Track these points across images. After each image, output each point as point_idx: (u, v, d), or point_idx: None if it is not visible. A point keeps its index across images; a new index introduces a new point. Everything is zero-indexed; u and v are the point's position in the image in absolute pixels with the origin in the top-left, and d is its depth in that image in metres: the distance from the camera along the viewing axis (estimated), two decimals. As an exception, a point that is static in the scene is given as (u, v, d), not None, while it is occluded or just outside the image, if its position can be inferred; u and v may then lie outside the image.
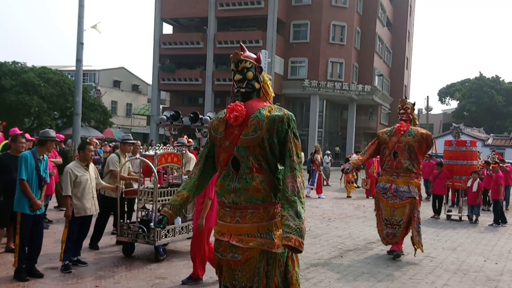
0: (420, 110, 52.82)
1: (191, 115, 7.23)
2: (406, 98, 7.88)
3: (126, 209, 7.69)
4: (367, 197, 15.82)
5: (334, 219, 11.11)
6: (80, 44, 19.78)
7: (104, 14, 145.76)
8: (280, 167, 3.39)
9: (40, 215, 5.54)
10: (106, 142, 17.82)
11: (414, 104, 7.68)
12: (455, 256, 7.65)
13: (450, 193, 13.96)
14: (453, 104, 62.84)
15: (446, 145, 12.50)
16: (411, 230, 7.12)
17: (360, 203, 14.37)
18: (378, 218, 7.37)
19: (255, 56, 3.54)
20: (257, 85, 3.50)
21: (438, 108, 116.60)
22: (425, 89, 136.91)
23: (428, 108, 49.56)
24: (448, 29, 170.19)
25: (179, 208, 3.55)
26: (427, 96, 71.86)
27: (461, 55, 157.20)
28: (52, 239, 7.23)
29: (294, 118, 3.39)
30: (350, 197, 15.80)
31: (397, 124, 7.43)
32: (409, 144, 7.12)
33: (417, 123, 7.70)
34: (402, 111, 7.50)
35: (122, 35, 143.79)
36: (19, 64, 30.12)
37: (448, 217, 11.89)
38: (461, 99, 56.99)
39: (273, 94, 3.66)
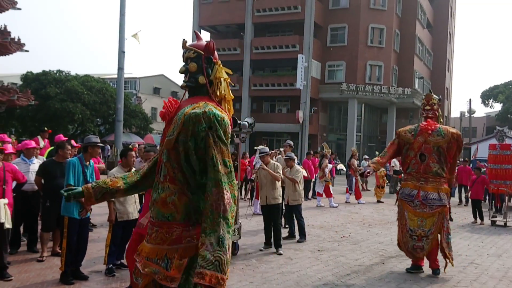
0: (462, 113, 51.21)
1: None
2: (431, 92, 6.98)
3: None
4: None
5: (375, 225, 10.89)
6: (121, 53, 20.31)
7: (145, 23, 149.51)
8: (198, 181, 2.68)
9: (86, 219, 5.71)
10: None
11: (440, 99, 6.89)
12: (501, 263, 7.34)
13: (494, 198, 13.49)
14: (497, 106, 60.57)
15: (490, 149, 12.13)
16: (440, 242, 6.32)
17: (401, 208, 14.02)
18: (401, 228, 6.54)
19: (203, 45, 2.96)
20: (201, 80, 2.88)
21: (481, 111, 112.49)
22: (467, 91, 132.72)
23: (471, 111, 48.00)
24: (491, 29, 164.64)
25: (102, 192, 2.91)
26: (470, 99, 69.30)
27: (505, 56, 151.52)
28: (96, 243, 7.41)
29: (219, 116, 2.64)
30: (382, 202, 15.49)
31: (423, 122, 6.57)
32: (438, 145, 6.30)
33: (442, 121, 6.84)
34: (427, 107, 6.67)
35: (161, 43, 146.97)
36: (63, 73, 31.19)
37: (493, 222, 11.45)
38: (504, 102, 54.84)
39: (227, 94, 2.97)
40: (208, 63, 2.93)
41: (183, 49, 2.99)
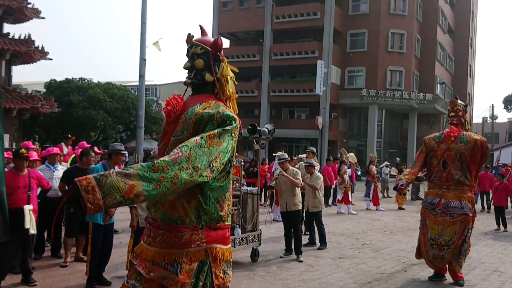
0: (485, 119, 50.35)
1: (250, 127, 7.25)
2: (456, 98, 6.81)
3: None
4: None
5: (396, 232, 10.75)
6: (142, 60, 20.58)
7: (165, 31, 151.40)
8: (209, 183, 2.55)
9: (110, 225, 5.76)
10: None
11: (466, 106, 6.67)
12: (527, 272, 7.15)
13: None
14: (520, 112, 59.32)
15: (514, 155, 11.90)
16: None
17: (423, 216, 13.80)
18: (423, 237, 6.37)
19: (211, 41, 2.84)
20: (208, 77, 2.78)
21: (503, 116, 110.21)
22: (489, 97, 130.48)
23: (493, 117, 47.13)
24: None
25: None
26: (492, 104, 68.06)
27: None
28: (118, 249, 7.48)
29: (232, 118, 2.58)
30: (403, 209, 15.28)
31: (447, 129, 6.45)
32: (460, 152, 6.12)
33: (469, 127, 6.64)
34: (452, 113, 6.47)
35: (181, 50, 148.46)
36: (86, 80, 31.76)
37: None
38: (528, 107, 53.72)
39: (232, 93, 2.87)
40: (216, 60, 2.83)
41: (187, 43, 2.86)
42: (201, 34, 2.91)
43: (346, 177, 14.21)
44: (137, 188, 2.16)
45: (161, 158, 2.33)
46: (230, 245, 2.78)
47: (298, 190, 7.83)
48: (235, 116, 2.63)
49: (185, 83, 2.85)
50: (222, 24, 38.53)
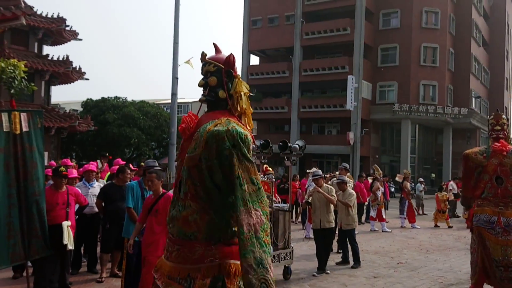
0: (524, 133, 48.63)
1: (280, 143, 7.28)
2: (498, 111, 6.50)
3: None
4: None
5: (433, 251, 10.45)
6: (175, 79, 20.99)
7: (196, 49, 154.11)
8: (221, 199, 2.64)
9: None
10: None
11: (508, 119, 6.38)
12: None
13: None
14: None
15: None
16: None
17: (460, 233, 13.39)
18: (486, 259, 5.86)
19: (223, 58, 2.88)
20: (222, 94, 2.80)
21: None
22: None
23: (534, 131, 45.57)
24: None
25: None
26: (532, 118, 66.03)
27: None
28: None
29: (242, 134, 2.57)
30: (438, 226, 14.84)
31: (496, 143, 6.08)
32: None
33: (510, 141, 6.24)
34: (498, 127, 6.16)
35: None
36: (121, 99, 32.58)
37: None
38: None
39: (246, 108, 2.90)
40: (229, 77, 2.86)
41: (201, 62, 2.90)
42: (215, 52, 2.95)
43: (379, 193, 13.97)
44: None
45: (254, 228, 2.43)
46: None
47: (332, 207, 7.76)
48: (246, 132, 2.64)
49: (200, 100, 2.89)
50: (252, 41, 38.98)
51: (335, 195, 7.83)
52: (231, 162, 2.52)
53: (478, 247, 5.97)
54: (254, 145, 2.74)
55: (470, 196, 6.20)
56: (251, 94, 3.01)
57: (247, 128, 2.76)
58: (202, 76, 2.89)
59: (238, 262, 2.61)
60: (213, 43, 3.03)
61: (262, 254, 2.35)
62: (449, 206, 16.18)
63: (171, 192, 5.16)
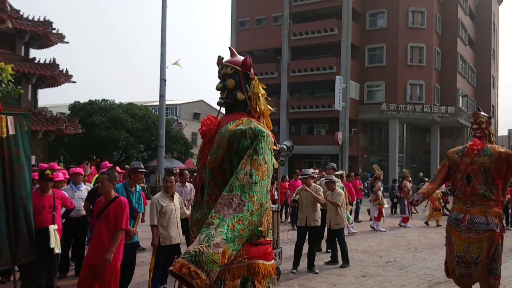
0: (511, 131, 49.29)
1: None
2: (479, 110, 6.56)
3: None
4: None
5: (421, 249, 10.53)
6: (162, 81, 20.90)
7: (184, 51, 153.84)
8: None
9: (132, 244, 5.79)
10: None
11: (490, 117, 6.38)
12: None
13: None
14: (548, 122, 57.91)
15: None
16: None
17: (448, 231, 13.52)
18: (448, 254, 6.07)
19: (240, 61, 2.93)
20: (240, 96, 2.86)
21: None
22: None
23: (520, 129, 46.14)
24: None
25: None
26: (518, 116, 66.86)
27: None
28: (140, 268, 7.53)
29: (264, 134, 2.62)
30: (440, 225, 14.96)
31: (470, 142, 6.16)
32: (484, 165, 5.86)
33: (494, 139, 6.35)
34: (475, 126, 6.20)
35: (200, 70, 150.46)
36: (108, 102, 32.38)
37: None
38: (557, 117, 52.49)
39: (265, 109, 2.95)
40: (246, 79, 2.91)
41: (218, 65, 2.94)
42: (231, 55, 3.00)
43: (380, 193, 14.03)
44: (228, 252, 2.22)
45: (227, 212, 2.32)
46: (273, 261, 2.77)
47: (318, 206, 7.81)
48: (267, 131, 2.68)
49: (218, 103, 2.92)
50: (240, 42, 38.99)
51: (322, 194, 7.89)
52: (243, 155, 2.56)
53: (448, 244, 6.11)
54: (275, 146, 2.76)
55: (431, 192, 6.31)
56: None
57: (268, 129, 2.78)
58: (220, 80, 2.91)
59: (267, 263, 2.68)
60: (229, 47, 3.10)
61: (217, 236, 2.21)
62: (443, 204, 16.31)
63: (124, 197, 5.09)
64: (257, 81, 2.95)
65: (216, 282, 2.53)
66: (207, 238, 2.19)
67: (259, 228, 2.64)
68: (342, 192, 8.93)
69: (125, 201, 4.99)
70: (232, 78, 2.86)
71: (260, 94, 2.94)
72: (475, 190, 5.89)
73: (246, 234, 2.34)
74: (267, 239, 2.74)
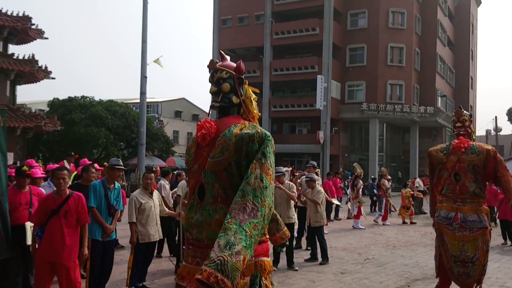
0: (488, 131, 50.34)
1: None
2: (461, 108, 6.55)
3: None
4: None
5: (400, 246, 10.69)
6: (143, 78, 20.70)
7: (166, 48, 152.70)
8: None
9: (110, 241, 5.74)
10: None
11: (471, 116, 6.39)
12: (534, 287, 7.09)
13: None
14: (525, 123, 59.33)
15: (517, 167, 11.83)
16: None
17: (427, 229, 13.75)
18: (444, 254, 5.96)
19: (234, 65, 3.03)
20: (235, 100, 2.95)
21: (508, 128, 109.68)
22: (492, 109, 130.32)
23: (497, 129, 47.15)
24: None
25: None
26: (495, 117, 68.28)
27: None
28: (119, 265, 7.47)
29: (270, 138, 2.76)
30: (406, 223, 15.21)
31: (455, 140, 6.14)
32: (473, 163, 5.85)
33: (474, 138, 6.35)
34: (458, 124, 6.19)
35: (182, 67, 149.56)
36: (88, 99, 31.98)
37: (524, 244, 11.09)
38: (532, 118, 53.74)
39: (257, 113, 3.08)
40: (239, 83, 3.00)
41: (210, 69, 3.00)
42: (222, 60, 3.08)
43: (361, 191, 14.20)
44: (247, 258, 2.36)
45: (242, 217, 2.43)
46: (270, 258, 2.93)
47: (292, 203, 7.87)
48: (270, 135, 2.80)
49: (212, 106, 2.99)
50: (222, 41, 38.90)
51: (295, 192, 7.97)
52: (252, 159, 2.66)
53: (438, 243, 6.06)
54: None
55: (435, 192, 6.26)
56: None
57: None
58: (213, 83, 2.99)
59: (267, 259, 2.83)
60: (220, 51, 3.23)
61: (237, 242, 2.32)
62: (413, 202, 16.57)
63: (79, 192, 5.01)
64: (248, 85, 3.07)
65: None
66: (228, 246, 2.30)
67: None
68: (322, 190, 9.01)
69: (82, 195, 4.95)
70: (227, 82, 2.94)
71: (252, 98, 3.07)
72: (466, 188, 5.86)
73: (259, 238, 2.49)
74: (267, 236, 2.91)
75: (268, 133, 2.78)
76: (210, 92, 2.99)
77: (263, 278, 2.76)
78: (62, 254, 4.61)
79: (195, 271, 2.65)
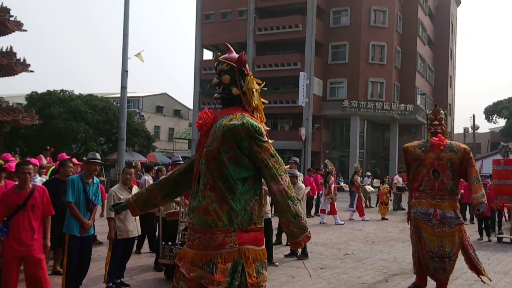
0: (466, 129, 51.23)
1: None
2: (437, 106, 6.66)
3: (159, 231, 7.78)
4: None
5: (378, 242, 10.81)
6: (124, 72, 20.44)
7: (147, 43, 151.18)
8: (240, 188, 2.89)
9: (88, 237, 5.64)
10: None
11: (445, 114, 6.53)
12: (507, 280, 7.26)
13: (502, 215, 13.34)
14: (501, 122, 60.54)
15: (494, 164, 12.08)
16: (470, 259, 6.08)
17: (405, 225, 13.91)
18: (420, 250, 6.07)
19: (236, 57, 3.13)
20: (235, 91, 3.06)
21: (485, 127, 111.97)
22: (470, 107, 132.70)
23: (475, 127, 48.00)
24: (492, 45, 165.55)
25: (144, 202, 3.32)
26: (473, 115, 69.39)
27: (508, 71, 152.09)
28: (97, 262, 7.38)
29: (256, 127, 2.87)
30: (386, 219, 15.40)
31: (434, 138, 6.25)
32: (452, 161, 6.00)
33: (447, 136, 6.48)
34: (436, 122, 6.32)
35: (164, 62, 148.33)
36: (67, 92, 31.48)
37: (499, 239, 11.33)
38: (509, 117, 54.85)
39: (257, 105, 3.18)
40: (241, 75, 3.10)
41: (215, 62, 3.15)
42: (227, 52, 3.20)
43: (333, 188, 14.29)
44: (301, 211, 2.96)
45: (283, 192, 2.88)
46: (263, 247, 3.04)
47: (268, 199, 7.88)
48: (259, 125, 2.93)
49: (214, 97, 3.11)
50: (205, 36, 38.69)
51: None
52: (251, 149, 2.85)
53: (415, 239, 6.15)
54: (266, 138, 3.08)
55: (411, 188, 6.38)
56: (264, 88, 3.32)
57: (261, 123, 3.04)
58: (216, 75, 3.14)
59: (257, 248, 2.96)
60: (226, 44, 3.39)
61: (295, 207, 2.83)
62: (391, 199, 16.79)
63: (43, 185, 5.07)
64: (252, 77, 3.15)
65: (208, 265, 2.81)
66: (296, 214, 2.86)
67: (250, 216, 2.91)
68: (304, 186, 9.05)
69: (45, 187, 4.99)
70: (227, 74, 3.07)
71: (254, 89, 3.15)
72: (444, 185, 5.98)
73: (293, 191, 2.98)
74: (258, 226, 2.99)
75: (255, 123, 2.87)
76: (212, 83, 3.12)
77: (246, 266, 2.85)
78: (31, 247, 4.63)
79: (187, 253, 2.92)
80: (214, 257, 2.80)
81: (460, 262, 8.46)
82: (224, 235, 2.82)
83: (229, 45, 3.34)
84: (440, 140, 6.15)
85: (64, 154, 9.71)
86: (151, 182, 8.56)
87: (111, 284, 5.89)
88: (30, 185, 4.81)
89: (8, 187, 5.54)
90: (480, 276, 6.05)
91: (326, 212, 14.18)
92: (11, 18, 19.82)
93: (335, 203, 14.20)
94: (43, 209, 4.80)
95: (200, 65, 38.55)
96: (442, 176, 6.00)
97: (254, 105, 3.12)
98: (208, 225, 2.84)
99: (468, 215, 15.55)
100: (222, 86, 3.06)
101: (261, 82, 3.27)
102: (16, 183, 6.08)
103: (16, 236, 4.61)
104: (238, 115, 2.93)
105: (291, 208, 2.81)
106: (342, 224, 13.63)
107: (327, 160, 18.66)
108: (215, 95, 3.09)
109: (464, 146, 6.22)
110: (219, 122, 2.92)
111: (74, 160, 8.50)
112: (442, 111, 6.49)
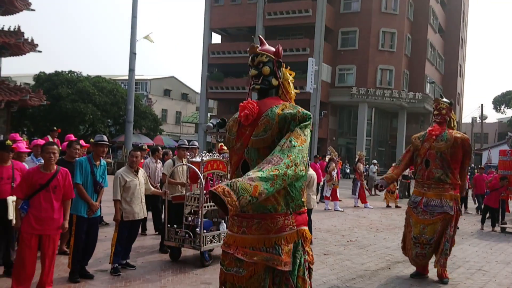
0: (474, 119, 50.81)
1: (219, 120, 7.22)
2: (441, 96, 6.83)
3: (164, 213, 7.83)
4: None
5: (382, 229, 10.84)
6: (132, 54, 20.42)
7: (156, 25, 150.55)
8: None
9: (95, 218, 5.70)
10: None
11: (450, 103, 6.62)
12: (509, 270, 7.27)
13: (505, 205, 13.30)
14: (509, 112, 60.04)
15: (501, 155, 12.04)
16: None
17: (409, 214, 13.95)
18: (407, 235, 6.42)
19: (274, 50, 3.28)
20: (274, 82, 3.22)
21: (493, 116, 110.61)
22: (479, 97, 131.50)
23: (483, 117, 47.60)
24: (504, 35, 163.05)
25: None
26: (482, 105, 69.06)
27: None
28: (103, 242, 7.47)
29: (311, 117, 3.06)
30: (390, 207, 15.39)
31: (430, 128, 6.45)
32: (440, 150, 6.13)
33: (455, 125, 6.60)
34: (436, 112, 6.46)
35: (172, 45, 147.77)
36: (75, 74, 31.46)
37: (503, 229, 11.33)
38: (517, 108, 54.31)
39: (294, 93, 3.37)
40: (278, 66, 3.26)
41: (250, 54, 3.25)
42: (260, 44, 3.32)
43: (334, 174, 14.29)
44: (259, 188, 2.56)
45: (266, 166, 2.70)
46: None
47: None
48: (310, 114, 3.07)
49: (253, 89, 3.24)
50: (214, 19, 38.42)
51: None
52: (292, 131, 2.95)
53: (406, 225, 6.50)
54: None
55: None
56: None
57: None
58: (253, 67, 3.23)
59: (306, 228, 3.14)
60: (259, 37, 3.54)
61: (253, 174, 2.61)
62: (398, 187, 16.77)
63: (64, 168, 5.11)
64: (285, 68, 3.30)
65: (274, 248, 2.94)
66: (245, 175, 2.62)
67: (302, 199, 3.08)
68: (313, 173, 9.05)
69: (68, 171, 5.07)
70: (267, 65, 3.19)
71: (289, 80, 3.32)
72: (432, 174, 6.18)
73: (279, 181, 2.67)
74: (305, 208, 3.18)
75: (309, 113, 3.04)
76: (250, 75, 3.22)
77: (304, 245, 3.07)
78: (51, 226, 4.78)
79: (241, 240, 3.04)
80: (278, 239, 2.96)
81: (464, 251, 8.53)
82: (284, 219, 2.99)
83: (262, 38, 3.49)
84: (433, 130, 6.31)
85: (72, 135, 9.74)
86: (151, 165, 8.59)
87: (117, 264, 5.96)
88: (55, 167, 4.92)
89: (16, 167, 5.60)
90: (435, 266, 6.23)
91: (329, 198, 14.22)
92: (19, -3, 19.75)
93: (337, 190, 14.21)
94: (64, 192, 4.90)
95: (209, 49, 38.35)
96: (431, 165, 6.19)
97: (291, 95, 3.30)
98: (268, 210, 2.97)
99: (474, 205, 15.54)
100: (262, 77, 3.18)
101: (292, 73, 3.37)
102: (25, 164, 6.17)
103: (36, 214, 4.73)
104: (287, 104, 3.11)
105: (251, 172, 2.64)
106: (342, 211, 13.65)
107: (330, 146, 18.64)
108: (254, 86, 3.20)
109: (458, 135, 6.25)
110: (270, 112, 3.04)
111: (82, 141, 8.54)
112: (443, 101, 6.62)
